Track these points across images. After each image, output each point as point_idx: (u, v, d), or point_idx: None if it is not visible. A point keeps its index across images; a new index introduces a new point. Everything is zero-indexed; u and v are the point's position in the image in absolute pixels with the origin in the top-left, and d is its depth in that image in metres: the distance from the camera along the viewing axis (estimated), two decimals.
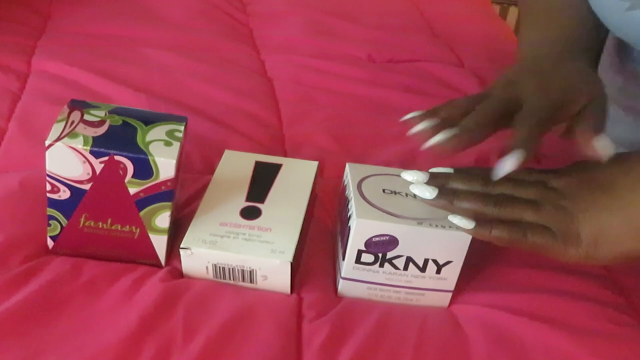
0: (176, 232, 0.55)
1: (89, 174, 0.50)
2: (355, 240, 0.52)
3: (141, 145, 0.50)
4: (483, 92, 0.57)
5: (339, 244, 0.56)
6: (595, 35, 0.66)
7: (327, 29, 1.05)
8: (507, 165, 0.50)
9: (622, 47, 0.73)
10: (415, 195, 0.52)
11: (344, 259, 0.53)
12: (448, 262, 0.53)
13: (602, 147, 0.52)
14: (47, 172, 0.50)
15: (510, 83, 0.57)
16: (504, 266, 0.59)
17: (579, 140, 0.54)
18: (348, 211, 0.53)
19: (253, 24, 1.07)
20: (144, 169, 0.50)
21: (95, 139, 0.50)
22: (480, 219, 0.50)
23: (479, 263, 0.58)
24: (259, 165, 0.60)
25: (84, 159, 0.50)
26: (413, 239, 0.51)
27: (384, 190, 0.55)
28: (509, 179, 0.54)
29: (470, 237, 0.51)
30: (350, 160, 0.71)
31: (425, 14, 1.18)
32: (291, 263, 0.51)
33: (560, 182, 0.53)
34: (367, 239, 0.51)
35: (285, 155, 0.73)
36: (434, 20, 1.16)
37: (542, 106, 0.53)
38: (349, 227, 0.52)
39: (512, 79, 0.57)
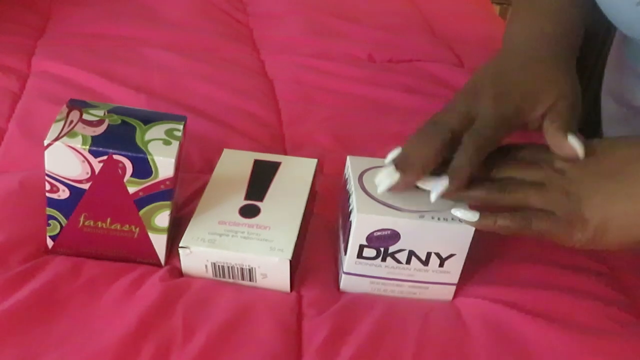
0: (176, 231, 0.55)
1: (88, 173, 0.50)
2: (357, 235, 0.51)
3: (140, 145, 0.50)
4: (448, 106, 0.57)
5: (341, 239, 0.56)
6: (580, 30, 0.65)
7: (327, 29, 1.05)
8: (432, 195, 0.50)
9: (627, 46, 0.73)
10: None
11: (345, 253, 0.53)
12: (451, 255, 0.52)
13: (573, 146, 0.52)
14: (46, 172, 0.50)
15: (472, 93, 0.56)
16: (508, 259, 0.59)
17: (550, 145, 0.53)
18: (349, 206, 0.53)
19: (253, 24, 1.07)
20: (143, 168, 0.50)
21: (94, 138, 0.50)
22: (483, 211, 0.50)
23: (483, 255, 0.58)
24: (257, 164, 0.60)
25: (83, 158, 0.50)
26: (415, 232, 0.51)
27: None
28: (515, 158, 0.54)
29: (473, 230, 0.51)
30: None
31: (425, 14, 1.18)
32: (290, 261, 0.51)
33: (567, 164, 0.52)
34: (368, 233, 0.51)
35: (285, 155, 0.72)
36: (434, 20, 1.16)
37: (491, 123, 0.53)
38: (351, 221, 0.52)
39: (476, 85, 0.57)
